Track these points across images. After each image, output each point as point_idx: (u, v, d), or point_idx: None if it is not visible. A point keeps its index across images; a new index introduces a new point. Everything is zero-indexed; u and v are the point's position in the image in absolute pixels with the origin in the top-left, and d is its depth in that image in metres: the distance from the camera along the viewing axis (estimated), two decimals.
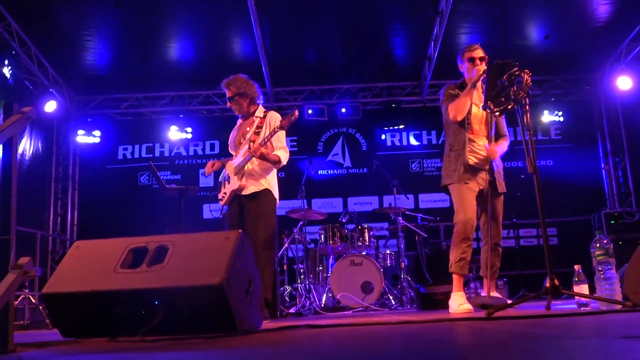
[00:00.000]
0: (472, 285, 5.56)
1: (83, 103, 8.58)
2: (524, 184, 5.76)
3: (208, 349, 1.78)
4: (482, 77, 3.62)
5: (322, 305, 5.61)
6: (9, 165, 2.06)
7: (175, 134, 8.24)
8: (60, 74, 7.91)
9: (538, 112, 8.16)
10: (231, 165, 4.15)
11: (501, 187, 3.82)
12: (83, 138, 8.29)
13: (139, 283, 2.35)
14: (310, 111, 8.24)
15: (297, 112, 3.89)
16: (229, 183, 4.12)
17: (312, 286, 5.76)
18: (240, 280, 2.47)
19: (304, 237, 6.09)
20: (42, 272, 2.07)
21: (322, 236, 6.04)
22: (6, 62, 6.17)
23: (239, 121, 4.33)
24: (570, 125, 8.54)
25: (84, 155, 8.67)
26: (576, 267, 2.98)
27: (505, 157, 3.97)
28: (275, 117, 4.10)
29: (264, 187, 4.02)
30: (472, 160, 3.72)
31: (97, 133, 8.34)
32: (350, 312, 5.24)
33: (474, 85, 3.68)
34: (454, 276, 3.61)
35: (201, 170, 8.54)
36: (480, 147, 3.77)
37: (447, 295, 3.73)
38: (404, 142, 8.78)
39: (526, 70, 2.99)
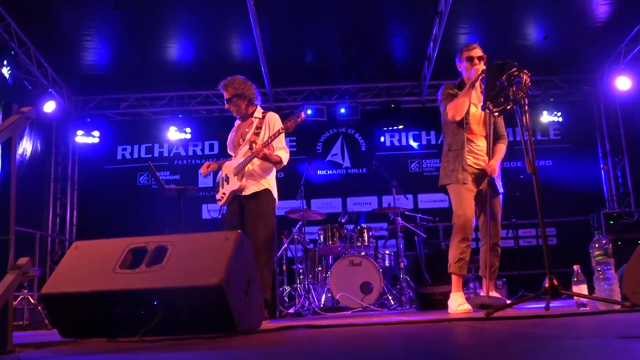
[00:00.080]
0: (471, 285, 5.56)
1: (82, 103, 8.58)
2: (523, 184, 5.78)
3: (207, 349, 1.78)
4: (480, 77, 3.62)
5: (321, 306, 5.61)
6: (8, 165, 2.06)
7: (174, 134, 8.23)
8: (60, 74, 7.90)
9: (537, 113, 8.16)
10: (230, 166, 4.14)
11: (500, 186, 3.82)
12: (82, 138, 8.28)
13: (138, 283, 2.35)
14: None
15: (303, 115, 3.87)
16: (227, 184, 4.12)
17: (311, 286, 5.76)
18: (240, 281, 2.47)
19: (303, 238, 6.10)
20: (41, 273, 2.07)
21: (322, 236, 6.04)
22: (5, 62, 6.17)
23: (237, 122, 4.33)
24: (570, 126, 8.53)
25: (83, 156, 8.66)
26: (575, 267, 2.97)
27: (504, 158, 3.97)
28: (274, 118, 4.10)
29: (264, 187, 4.02)
30: (470, 160, 3.72)
31: (96, 133, 8.33)
32: (350, 312, 5.24)
33: (472, 85, 3.68)
34: (453, 276, 3.61)
35: (200, 171, 8.53)
36: (479, 147, 3.77)
37: (446, 296, 3.73)
38: (403, 143, 8.78)
39: (525, 71, 2.99)
